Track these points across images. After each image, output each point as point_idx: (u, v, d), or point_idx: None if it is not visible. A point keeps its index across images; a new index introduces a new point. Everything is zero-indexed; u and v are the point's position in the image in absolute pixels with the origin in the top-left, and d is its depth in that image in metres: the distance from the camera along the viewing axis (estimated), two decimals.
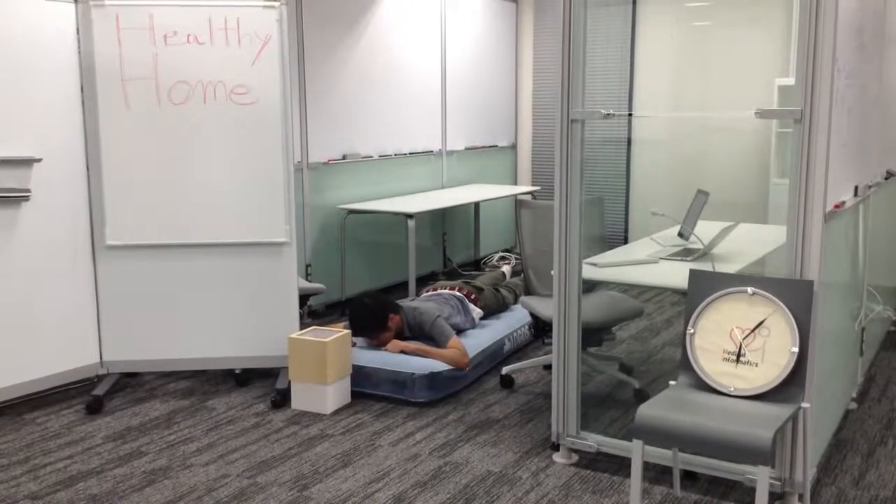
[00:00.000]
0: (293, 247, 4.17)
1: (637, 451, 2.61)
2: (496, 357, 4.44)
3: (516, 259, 7.41)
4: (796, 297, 2.75)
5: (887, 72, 4.13)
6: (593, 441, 3.28)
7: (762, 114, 2.79)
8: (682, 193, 6.43)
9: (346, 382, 3.96)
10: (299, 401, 3.90)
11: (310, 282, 5.37)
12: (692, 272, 2.94)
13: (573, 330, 3.27)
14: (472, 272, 6.97)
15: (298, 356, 3.85)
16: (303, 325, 4.32)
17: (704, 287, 2.90)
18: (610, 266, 3.51)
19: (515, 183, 7.68)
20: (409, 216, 5.34)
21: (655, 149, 6.97)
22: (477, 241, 7.18)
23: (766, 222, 6.19)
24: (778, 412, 2.60)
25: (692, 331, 2.88)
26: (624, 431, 3.60)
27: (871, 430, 3.61)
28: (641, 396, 3.94)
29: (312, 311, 5.53)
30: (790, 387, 2.71)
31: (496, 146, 7.40)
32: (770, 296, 2.77)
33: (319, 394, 3.84)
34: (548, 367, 4.45)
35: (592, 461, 3.32)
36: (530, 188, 6.92)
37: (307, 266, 5.45)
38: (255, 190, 4.09)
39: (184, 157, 4.03)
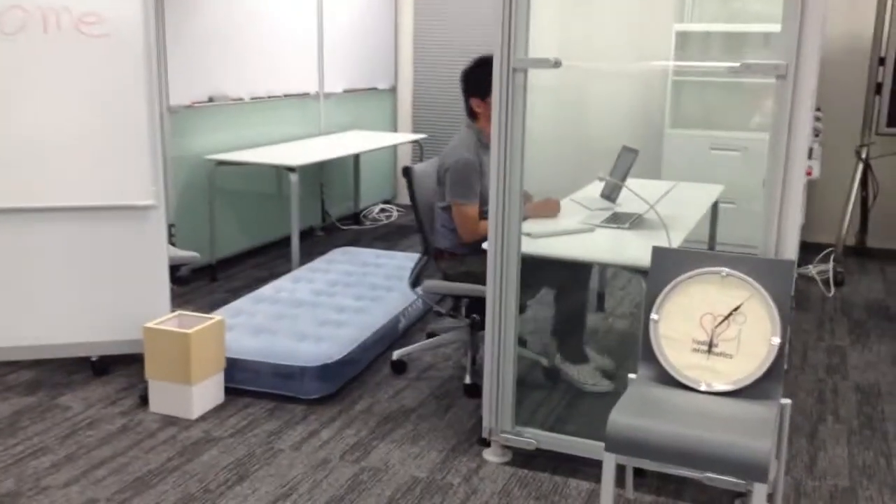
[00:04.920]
0: (161, 210, 3.50)
1: (609, 467, 2.23)
2: (391, 336, 3.94)
3: (398, 212, 6.91)
4: (775, 279, 2.42)
5: None
6: (531, 436, 2.89)
7: (744, 69, 2.41)
8: (579, 149, 6.10)
9: (218, 379, 3.33)
10: (158, 403, 3.24)
11: (174, 245, 4.67)
12: (656, 250, 2.56)
13: (510, 311, 2.83)
14: (353, 226, 6.42)
15: (156, 350, 3.20)
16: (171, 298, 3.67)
17: (669, 266, 2.53)
18: (545, 236, 3.09)
19: (396, 129, 7.13)
20: (292, 169, 4.71)
21: (546, 100, 6.59)
22: (357, 192, 6.61)
23: (660, 176, 5.99)
24: (762, 413, 2.28)
25: (656, 317, 2.51)
26: (550, 420, 3.24)
27: (805, 406, 3.42)
28: (551, 375, 3.57)
29: (178, 278, 4.82)
30: (767, 380, 2.40)
31: (375, 89, 6.80)
32: (746, 277, 2.43)
33: (182, 395, 3.19)
34: (430, 335, 3.99)
35: (528, 458, 2.93)
36: (414, 136, 6.39)
37: (170, 227, 4.72)
38: (113, 142, 3.37)
39: (20, 101, 3.25)
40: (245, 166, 5.06)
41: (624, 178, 3.62)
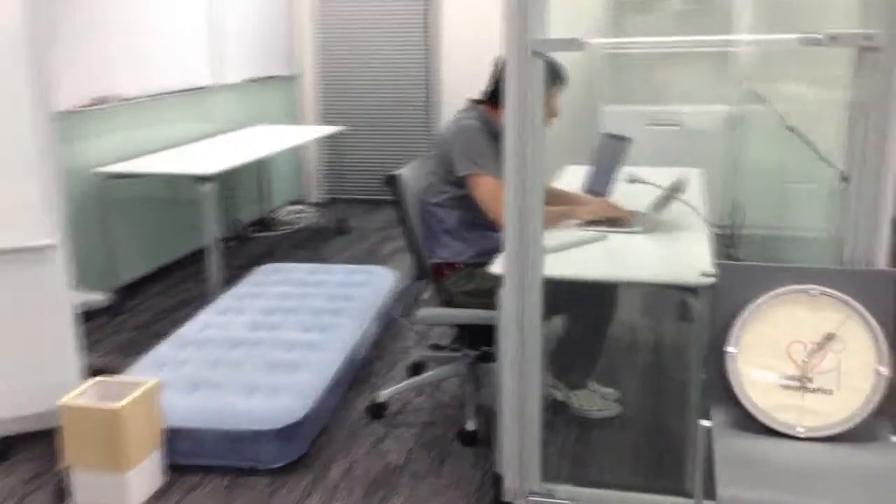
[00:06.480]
0: (61, 250, 2.77)
1: None
2: (351, 372, 3.35)
3: (311, 213, 6.24)
4: (876, 294, 2.00)
5: None
6: (567, 495, 2.39)
7: (829, 40, 1.96)
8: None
9: (156, 457, 2.64)
10: (83, 496, 2.53)
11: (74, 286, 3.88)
12: (721, 266, 2.10)
13: (535, 342, 2.31)
14: (265, 233, 5.72)
15: (77, 431, 2.49)
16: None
17: (741, 286, 2.07)
18: (558, 250, 2.57)
19: (301, 121, 6.42)
20: (205, 179, 3.99)
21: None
22: (263, 193, 5.89)
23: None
24: (884, 462, 1.86)
25: (734, 350, 2.05)
26: (565, 462, 2.75)
27: None
28: (559, 409, 3.08)
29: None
30: (876, 418, 1.98)
31: (274, 77, 6.07)
32: (841, 295, 2.00)
33: (114, 485, 2.50)
34: (416, 368, 3.45)
35: None
36: (332, 128, 5.72)
37: None
38: None
39: None
40: (143, 178, 4.29)
41: (615, 170, 3.15)
